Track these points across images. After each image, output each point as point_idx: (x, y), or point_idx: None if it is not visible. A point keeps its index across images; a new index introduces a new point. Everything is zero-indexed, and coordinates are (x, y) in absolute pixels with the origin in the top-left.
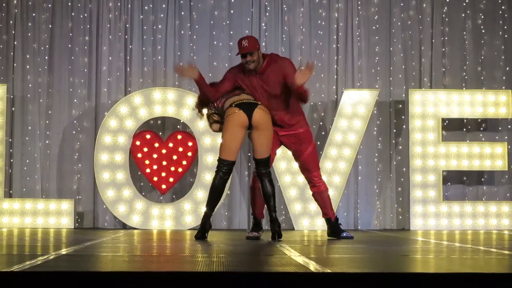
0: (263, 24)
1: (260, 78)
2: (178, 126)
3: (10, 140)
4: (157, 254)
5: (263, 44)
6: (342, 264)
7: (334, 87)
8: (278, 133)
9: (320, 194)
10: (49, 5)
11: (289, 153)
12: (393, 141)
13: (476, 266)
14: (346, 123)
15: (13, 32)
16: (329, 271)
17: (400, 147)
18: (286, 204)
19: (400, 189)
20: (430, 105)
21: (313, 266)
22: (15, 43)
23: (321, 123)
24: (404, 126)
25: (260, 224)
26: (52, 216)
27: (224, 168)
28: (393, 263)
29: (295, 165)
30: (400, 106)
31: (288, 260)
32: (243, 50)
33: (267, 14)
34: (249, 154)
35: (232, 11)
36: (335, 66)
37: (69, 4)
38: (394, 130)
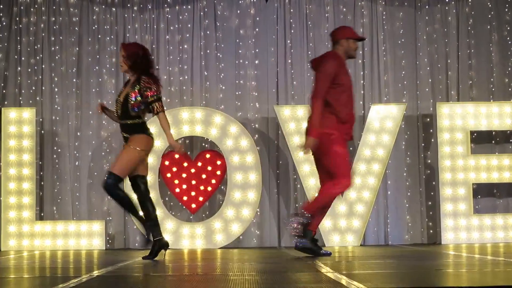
0: (288, 41)
1: None
2: (206, 145)
3: (40, 162)
4: (189, 274)
5: (289, 61)
6: (376, 279)
7: (361, 102)
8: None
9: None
10: (76, 28)
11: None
12: (422, 155)
13: (509, 279)
14: (374, 138)
15: (41, 55)
16: (364, 287)
17: (429, 161)
18: None
19: (430, 203)
20: (458, 118)
21: (348, 282)
22: (43, 66)
23: None
24: (432, 140)
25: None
26: (84, 237)
27: None
28: (426, 278)
29: None
30: (428, 119)
31: (321, 277)
32: (362, 37)
33: (292, 31)
34: (277, 171)
35: (257, 29)
36: (362, 81)
37: (95, 26)
38: (423, 144)
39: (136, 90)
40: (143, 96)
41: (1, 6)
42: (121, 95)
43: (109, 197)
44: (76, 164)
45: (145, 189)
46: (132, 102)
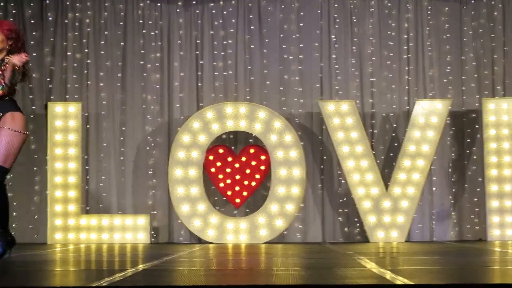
0: (332, 36)
1: None
2: (250, 140)
3: (85, 157)
4: (233, 268)
5: (333, 56)
6: (422, 276)
7: (405, 97)
8: None
9: None
10: (121, 23)
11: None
12: (467, 151)
13: None
14: (419, 133)
15: (87, 50)
16: (410, 283)
17: (475, 157)
18: (361, 216)
19: (476, 199)
20: (504, 114)
21: (392, 278)
22: (89, 61)
23: (393, 134)
24: (478, 136)
25: None
26: (129, 231)
27: None
28: (473, 274)
29: (369, 177)
30: (474, 115)
31: (367, 273)
32: None
33: (337, 26)
34: (321, 166)
35: (301, 24)
36: (406, 77)
37: (141, 21)
38: (468, 140)
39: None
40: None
41: (48, 2)
42: None
43: None
44: (121, 158)
45: None
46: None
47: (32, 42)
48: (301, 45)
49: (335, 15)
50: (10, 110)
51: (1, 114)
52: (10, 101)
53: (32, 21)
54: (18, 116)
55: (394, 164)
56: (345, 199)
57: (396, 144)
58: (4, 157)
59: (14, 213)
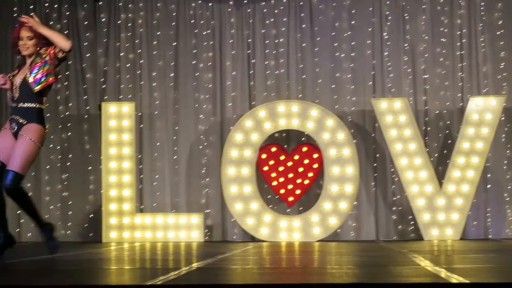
0: (384, 34)
1: None
2: (303, 139)
3: (139, 156)
4: (286, 266)
5: (385, 53)
6: (477, 274)
7: (459, 94)
8: None
9: None
10: (173, 23)
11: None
12: None
13: None
14: (473, 130)
15: (139, 50)
16: (466, 281)
17: None
18: (414, 214)
19: None
20: None
21: (447, 276)
22: (142, 61)
23: (447, 132)
24: None
25: None
26: (183, 230)
27: None
28: None
29: (422, 174)
30: None
31: (422, 271)
32: None
33: (388, 23)
34: (374, 164)
35: (353, 22)
36: (460, 73)
37: (192, 21)
38: None
39: (36, 65)
40: (47, 60)
41: (101, 3)
42: (16, 78)
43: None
44: (174, 157)
45: None
46: (34, 74)
47: (85, 43)
48: (353, 43)
49: (387, 12)
50: (34, 121)
51: (26, 121)
52: (38, 111)
53: (86, 23)
54: (39, 129)
55: (448, 161)
56: (398, 196)
57: (449, 141)
58: (21, 164)
59: (70, 212)
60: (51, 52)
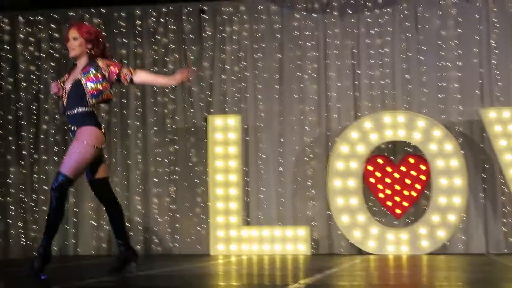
0: (492, 42)
1: None
2: (409, 150)
3: (245, 169)
4: (395, 283)
5: (493, 62)
6: None
7: None
8: None
9: None
10: (278, 35)
11: None
12: None
13: None
14: None
15: (244, 63)
16: None
17: None
18: None
19: None
20: None
21: None
22: (247, 73)
23: None
24: None
25: None
26: (289, 242)
27: None
28: None
29: None
30: None
31: None
32: None
33: (496, 30)
34: (483, 175)
35: (459, 30)
36: None
37: (297, 32)
38: None
39: (90, 76)
40: (106, 77)
41: (206, 17)
42: (67, 84)
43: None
44: (280, 169)
45: None
46: (91, 88)
47: (192, 57)
48: (459, 51)
49: (495, 20)
50: (88, 124)
51: (78, 127)
52: (90, 115)
53: (192, 36)
54: (91, 129)
55: None
56: (509, 208)
57: None
58: (72, 168)
59: (177, 225)
60: (115, 72)
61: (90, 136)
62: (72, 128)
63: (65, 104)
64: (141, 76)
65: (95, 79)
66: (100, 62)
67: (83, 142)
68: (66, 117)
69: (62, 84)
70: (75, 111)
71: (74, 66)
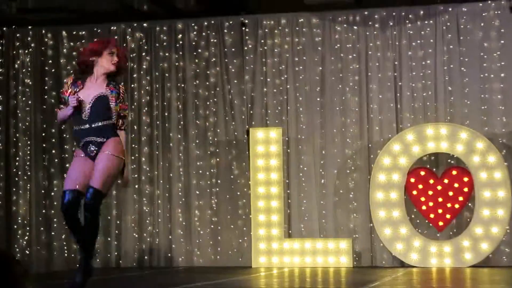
0: None
1: None
2: (452, 162)
3: (287, 181)
4: None
5: None
6: None
7: None
8: None
9: None
10: (319, 48)
11: None
12: None
13: None
14: None
15: (286, 76)
16: None
17: None
18: None
19: None
20: None
21: None
22: (288, 86)
23: None
24: None
25: None
26: (331, 255)
27: None
28: None
29: None
30: None
31: None
32: None
33: None
34: None
35: (502, 42)
36: None
37: (338, 45)
38: None
39: (114, 97)
40: (119, 106)
41: (247, 30)
42: (83, 94)
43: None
44: (322, 182)
45: None
46: (112, 106)
47: (233, 70)
48: (502, 63)
49: None
50: (113, 136)
51: (105, 139)
52: (113, 127)
53: (233, 49)
54: (118, 141)
55: None
56: None
57: None
58: (103, 182)
59: (219, 237)
60: (124, 108)
61: (116, 147)
62: (98, 140)
63: (84, 117)
64: (121, 134)
65: (117, 100)
66: (121, 89)
67: (110, 154)
68: (83, 130)
69: (76, 94)
70: (101, 124)
71: (83, 77)
